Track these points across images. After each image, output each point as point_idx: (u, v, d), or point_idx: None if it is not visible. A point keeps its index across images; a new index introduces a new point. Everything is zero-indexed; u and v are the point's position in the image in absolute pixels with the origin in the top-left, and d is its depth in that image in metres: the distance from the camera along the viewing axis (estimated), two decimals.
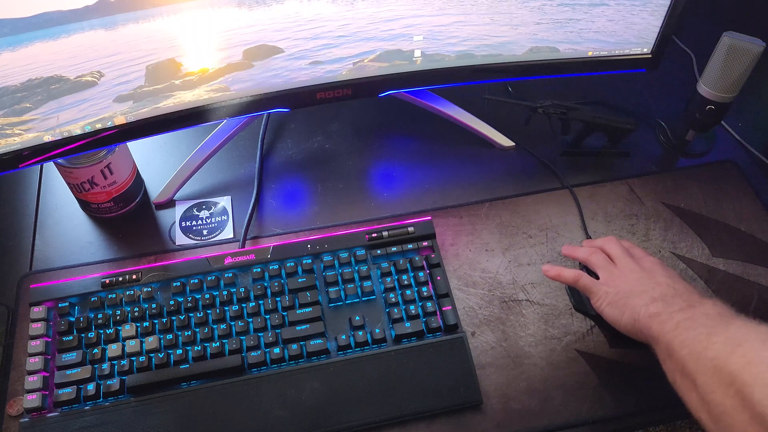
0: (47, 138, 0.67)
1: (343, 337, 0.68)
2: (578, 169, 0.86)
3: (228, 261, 0.72)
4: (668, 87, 0.96)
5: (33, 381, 0.64)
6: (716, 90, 0.78)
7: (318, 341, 0.67)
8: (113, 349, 0.67)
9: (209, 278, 0.71)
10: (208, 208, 0.82)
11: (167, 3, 0.61)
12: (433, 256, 0.73)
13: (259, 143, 0.88)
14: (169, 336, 0.67)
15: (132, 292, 0.70)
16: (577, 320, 0.72)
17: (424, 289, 0.71)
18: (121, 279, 0.71)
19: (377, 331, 0.68)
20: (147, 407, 0.64)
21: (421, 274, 0.72)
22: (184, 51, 0.66)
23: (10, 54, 0.58)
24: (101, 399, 0.65)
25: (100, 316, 0.69)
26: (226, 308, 0.69)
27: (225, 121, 0.81)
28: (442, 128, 0.89)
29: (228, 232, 0.80)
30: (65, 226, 0.81)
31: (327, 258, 0.72)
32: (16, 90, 0.61)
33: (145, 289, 0.70)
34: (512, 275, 0.75)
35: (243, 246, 0.77)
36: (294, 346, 0.67)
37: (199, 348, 0.67)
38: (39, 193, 0.84)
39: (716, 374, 0.49)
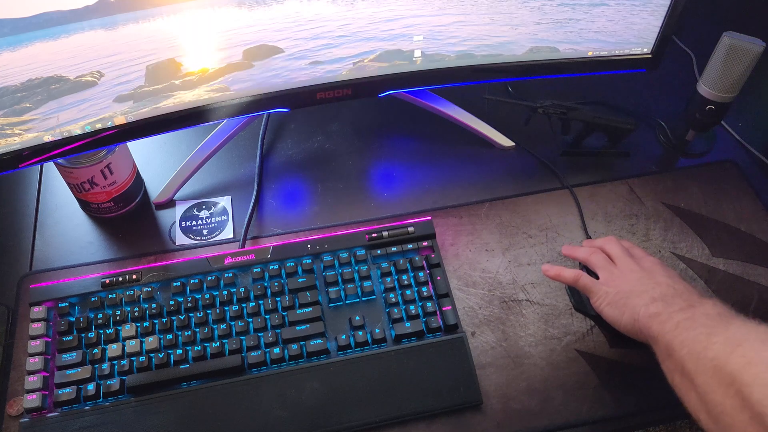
0: (47, 138, 0.67)
1: (343, 337, 0.68)
2: (578, 169, 0.86)
3: (228, 261, 0.72)
4: (668, 87, 0.96)
5: (33, 381, 0.64)
6: (716, 90, 0.78)
7: (318, 341, 0.67)
8: (113, 349, 0.67)
9: (209, 278, 0.71)
10: (208, 208, 0.82)
11: (167, 3, 0.61)
12: (433, 256, 0.73)
13: (259, 143, 0.88)
14: (169, 336, 0.67)
15: (132, 292, 0.70)
16: (577, 320, 0.72)
17: (424, 289, 0.71)
18: (121, 279, 0.71)
19: (377, 331, 0.68)
20: (147, 407, 0.64)
21: (421, 274, 0.72)
22: (184, 51, 0.66)
23: (10, 54, 0.58)
24: (101, 399, 0.65)
25: (100, 316, 0.69)
26: (226, 308, 0.69)
27: (225, 121, 0.81)
28: (442, 128, 0.89)
29: (228, 232, 0.80)
30: (65, 226, 0.81)
31: (327, 258, 0.72)
32: (16, 90, 0.61)
33: (145, 289, 0.70)
34: (512, 275, 0.75)
35: (243, 246, 0.77)
36: (294, 346, 0.67)
37: (199, 348, 0.67)
38: (39, 193, 0.84)
39: (716, 374, 0.49)
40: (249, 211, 0.80)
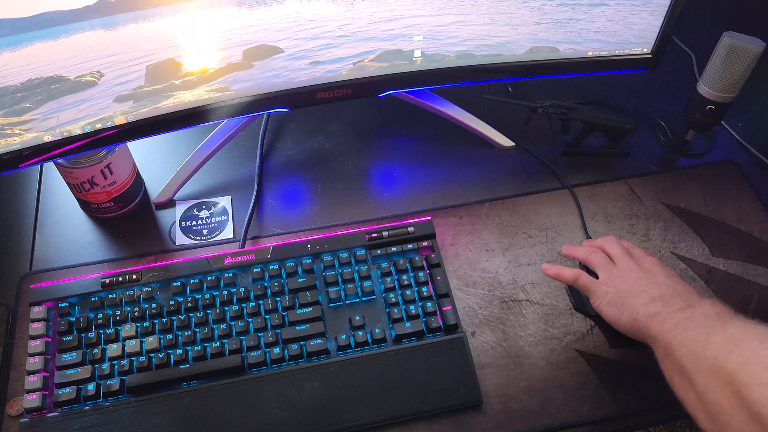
0: (47, 138, 0.67)
1: (343, 337, 0.68)
2: (578, 169, 0.86)
3: (228, 261, 0.72)
4: (668, 87, 0.96)
5: (33, 381, 0.64)
6: (716, 90, 0.78)
7: (318, 341, 0.67)
8: (113, 349, 0.67)
9: (209, 278, 0.71)
10: (208, 208, 0.82)
11: (167, 3, 0.61)
12: (433, 256, 0.73)
13: (259, 143, 0.88)
14: (169, 336, 0.67)
15: (132, 292, 0.70)
16: (577, 320, 0.72)
17: (424, 289, 0.71)
18: (121, 279, 0.71)
19: (377, 331, 0.68)
20: (147, 407, 0.64)
21: (421, 274, 0.72)
22: (184, 51, 0.66)
23: (10, 54, 0.58)
24: (101, 399, 0.65)
25: (100, 316, 0.69)
26: (226, 308, 0.69)
27: (225, 121, 0.81)
28: (442, 128, 0.89)
29: (228, 232, 0.80)
30: (65, 226, 0.81)
31: (327, 258, 0.72)
32: (16, 90, 0.61)
33: (145, 289, 0.70)
34: (512, 275, 0.75)
35: (243, 246, 0.77)
36: (294, 346, 0.67)
37: (199, 348, 0.67)
38: (39, 193, 0.84)
39: (714, 374, 0.49)
40: (249, 211, 0.80)
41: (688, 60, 0.95)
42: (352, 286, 0.71)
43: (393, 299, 0.70)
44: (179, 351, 0.67)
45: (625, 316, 0.61)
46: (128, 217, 0.82)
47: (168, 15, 0.62)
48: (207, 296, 0.70)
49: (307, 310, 0.69)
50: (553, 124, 0.85)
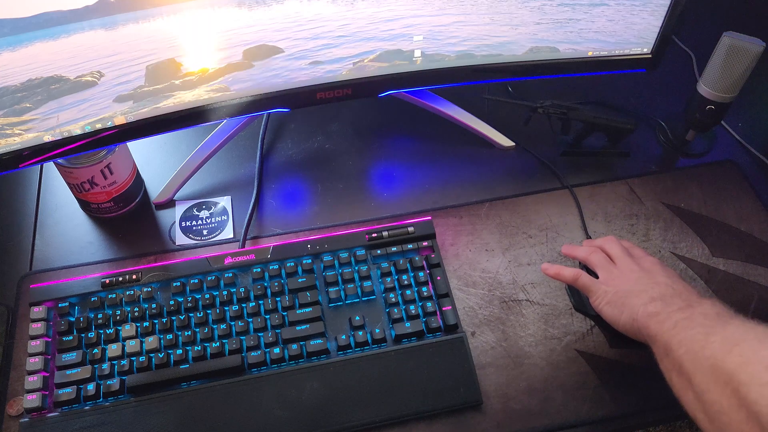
0: (47, 138, 0.67)
1: (343, 337, 0.68)
2: (578, 169, 0.86)
3: (228, 261, 0.72)
4: (668, 87, 0.96)
5: (33, 381, 0.64)
6: (716, 90, 0.78)
7: (318, 341, 0.67)
8: (113, 349, 0.67)
9: (209, 278, 0.71)
10: (208, 208, 0.82)
11: (167, 3, 0.61)
12: (433, 256, 0.73)
13: (259, 143, 0.88)
14: (169, 336, 0.67)
15: (132, 292, 0.70)
16: (577, 320, 0.72)
17: (424, 289, 0.71)
18: (121, 279, 0.71)
19: (377, 331, 0.68)
20: (147, 407, 0.64)
21: (421, 274, 0.72)
22: (184, 51, 0.66)
23: (10, 54, 0.58)
24: (101, 399, 0.65)
25: (100, 316, 0.69)
26: (226, 308, 0.69)
27: (225, 121, 0.81)
28: (442, 128, 0.89)
29: (228, 232, 0.80)
30: (65, 226, 0.81)
31: (327, 258, 0.72)
32: (16, 90, 0.61)
33: (145, 289, 0.70)
34: (512, 275, 0.75)
35: (243, 246, 0.77)
36: (294, 346, 0.67)
37: (199, 348, 0.67)
38: (39, 193, 0.84)
39: (713, 373, 0.49)
40: (249, 211, 0.80)
41: (688, 60, 0.95)
42: (352, 286, 0.71)
43: (393, 299, 0.70)
44: (179, 351, 0.67)
45: (624, 315, 0.61)
46: (128, 217, 0.82)
47: (168, 15, 0.62)
48: (207, 296, 0.70)
49: (307, 310, 0.69)
50: (553, 124, 0.85)
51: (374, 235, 0.74)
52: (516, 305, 0.73)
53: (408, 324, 0.68)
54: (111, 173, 0.76)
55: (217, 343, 0.67)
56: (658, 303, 0.59)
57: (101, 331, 0.68)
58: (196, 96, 0.70)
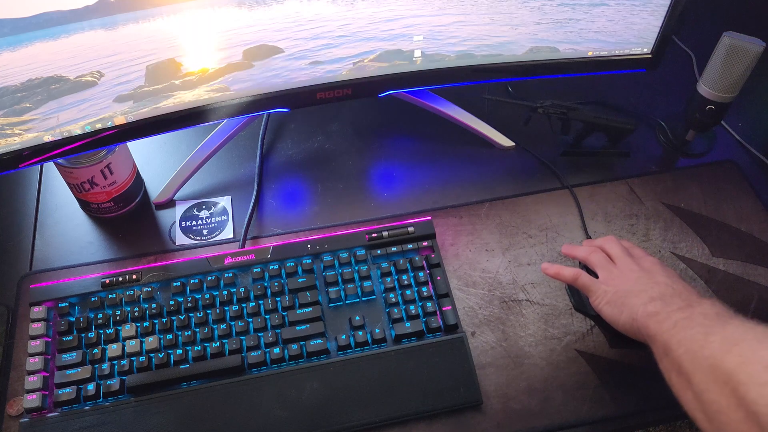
0: (47, 138, 0.67)
1: (343, 337, 0.68)
2: (578, 169, 0.86)
3: (228, 261, 0.72)
4: (668, 87, 0.96)
5: (33, 381, 0.64)
6: (716, 90, 0.78)
7: (318, 341, 0.67)
8: (113, 349, 0.67)
9: (209, 278, 0.71)
10: (208, 208, 0.82)
11: (167, 3, 0.61)
12: (433, 256, 0.73)
13: (259, 143, 0.88)
14: (169, 336, 0.67)
15: (132, 292, 0.70)
16: (577, 320, 0.72)
17: (424, 289, 0.71)
18: (121, 279, 0.71)
19: (377, 331, 0.68)
20: (147, 407, 0.64)
21: (421, 274, 0.72)
22: (184, 51, 0.66)
23: (10, 54, 0.58)
24: (101, 399, 0.65)
25: (100, 316, 0.69)
26: (226, 308, 0.69)
27: (225, 121, 0.81)
28: (442, 128, 0.89)
29: (228, 232, 0.80)
30: (65, 226, 0.81)
31: (327, 258, 0.72)
32: (16, 90, 0.61)
33: (145, 289, 0.70)
34: (512, 275, 0.75)
35: (243, 246, 0.77)
36: (294, 346, 0.67)
37: (199, 348, 0.67)
38: (39, 193, 0.84)
39: (712, 373, 0.49)
40: (249, 211, 0.80)
41: (688, 60, 0.95)
42: (352, 286, 0.71)
43: (393, 299, 0.70)
44: (179, 351, 0.67)
45: (624, 315, 0.61)
46: (128, 217, 0.82)
47: (168, 15, 0.62)
48: (207, 296, 0.70)
49: (307, 310, 0.69)
50: (553, 124, 0.85)
51: (374, 235, 0.74)
52: (516, 305, 0.73)
53: (408, 324, 0.68)
54: (111, 173, 0.76)
55: (217, 343, 0.67)
56: (658, 303, 0.59)
57: (101, 331, 0.68)
58: (196, 96, 0.70)
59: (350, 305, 0.71)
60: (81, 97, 0.65)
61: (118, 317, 0.69)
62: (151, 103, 0.69)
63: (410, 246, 0.74)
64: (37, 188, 0.85)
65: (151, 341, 0.67)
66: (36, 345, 0.67)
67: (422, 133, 0.90)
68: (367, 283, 0.71)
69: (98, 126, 0.68)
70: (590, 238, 0.78)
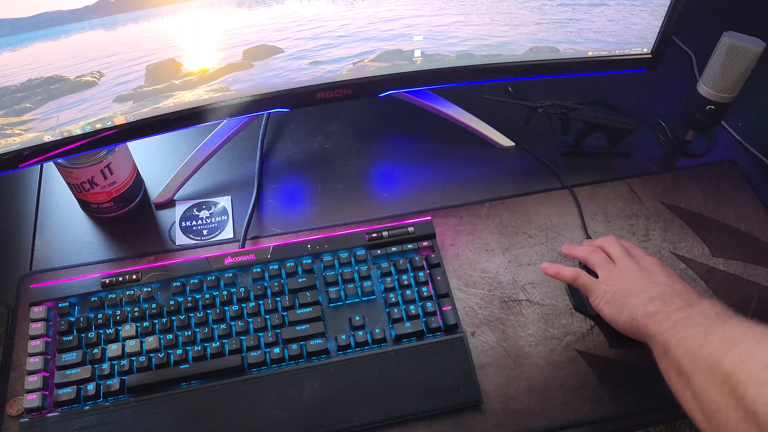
0: (47, 138, 0.67)
1: (343, 337, 0.68)
2: (578, 169, 0.86)
3: (228, 261, 0.72)
4: (668, 87, 0.96)
5: (33, 381, 0.64)
6: (716, 90, 0.78)
7: (318, 341, 0.67)
8: (113, 349, 0.67)
9: (209, 278, 0.71)
10: (208, 208, 0.82)
11: (167, 3, 0.61)
12: (433, 256, 0.73)
13: (259, 143, 0.88)
14: (169, 336, 0.67)
15: (132, 292, 0.70)
16: (577, 320, 0.72)
17: (424, 289, 0.71)
18: (121, 279, 0.71)
19: (377, 331, 0.68)
20: (147, 407, 0.64)
21: (421, 274, 0.72)
22: (184, 51, 0.66)
23: (10, 54, 0.58)
24: (101, 399, 0.65)
25: (100, 316, 0.69)
26: (226, 308, 0.69)
27: (225, 121, 0.81)
28: (442, 128, 0.89)
29: (228, 232, 0.80)
30: (65, 226, 0.81)
31: (327, 258, 0.72)
32: (16, 90, 0.61)
33: (145, 289, 0.70)
34: (512, 275, 0.75)
35: (243, 246, 0.77)
36: (294, 346, 0.67)
37: (199, 348, 0.67)
38: (39, 193, 0.84)
39: (711, 372, 0.49)
40: (249, 211, 0.80)
41: (688, 60, 0.95)
42: (352, 286, 0.71)
43: (393, 299, 0.70)
44: (179, 351, 0.67)
45: (624, 315, 0.61)
46: (128, 217, 0.82)
47: (168, 15, 0.62)
48: (207, 296, 0.70)
49: (307, 310, 0.69)
50: (553, 124, 0.85)
51: (374, 235, 0.74)
52: (516, 305, 0.73)
53: (408, 324, 0.68)
54: (111, 173, 0.76)
55: (217, 343, 0.67)
56: (658, 302, 0.59)
57: (101, 331, 0.68)
58: (196, 96, 0.70)
59: (350, 305, 0.71)
60: (81, 97, 0.65)
61: (118, 317, 0.69)
62: (151, 103, 0.69)
63: (410, 246, 0.74)
64: (37, 188, 0.85)
65: (151, 341, 0.67)
66: (36, 345, 0.67)
67: (422, 133, 0.90)
68: (367, 283, 0.71)
69: (98, 126, 0.68)
70: (590, 238, 0.78)
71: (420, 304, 0.70)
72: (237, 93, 0.72)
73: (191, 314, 0.69)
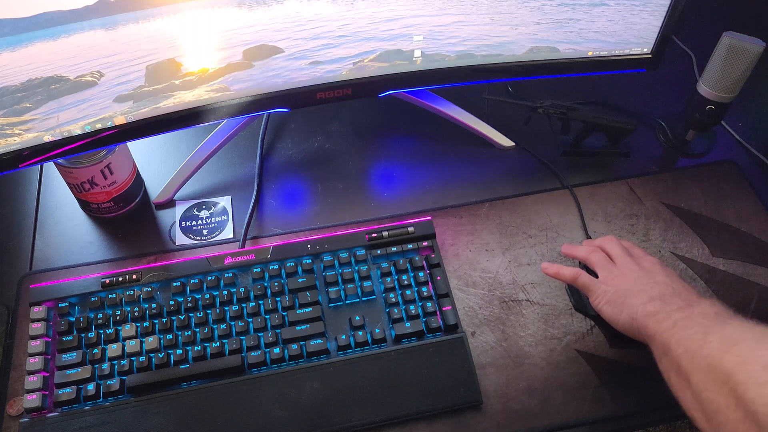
0: (47, 138, 0.67)
1: (343, 337, 0.68)
2: (578, 169, 0.86)
3: (228, 261, 0.72)
4: (668, 87, 0.96)
5: (33, 381, 0.64)
6: (716, 90, 0.78)
7: (318, 341, 0.67)
8: (113, 349, 0.67)
9: (209, 278, 0.71)
10: (208, 208, 0.82)
11: (167, 3, 0.61)
12: (433, 256, 0.73)
13: (259, 143, 0.88)
14: (169, 336, 0.67)
15: (132, 292, 0.70)
16: (577, 320, 0.72)
17: (424, 289, 0.71)
18: (121, 279, 0.71)
19: (377, 331, 0.68)
20: (147, 407, 0.64)
21: (421, 274, 0.72)
22: (184, 51, 0.66)
23: (10, 54, 0.58)
24: (101, 399, 0.65)
25: (100, 316, 0.69)
26: (226, 308, 0.69)
27: (225, 121, 0.81)
28: (442, 128, 0.89)
29: (228, 232, 0.80)
30: (65, 226, 0.81)
31: (327, 258, 0.72)
32: (16, 90, 0.61)
33: (145, 289, 0.70)
34: (512, 275, 0.75)
35: (243, 246, 0.77)
36: (294, 346, 0.67)
37: (199, 348, 0.67)
38: (39, 193, 0.84)
39: (711, 372, 0.49)
40: (249, 211, 0.80)
41: (688, 60, 0.95)
42: (352, 286, 0.71)
43: (393, 299, 0.70)
44: (179, 351, 0.67)
45: (624, 315, 0.61)
46: (128, 217, 0.82)
47: (168, 15, 0.62)
48: (207, 296, 0.70)
49: (307, 310, 0.69)
50: (553, 124, 0.85)
51: (374, 235, 0.74)
52: (516, 305, 0.73)
53: (408, 324, 0.68)
54: (111, 173, 0.76)
55: (217, 343, 0.67)
56: (657, 302, 0.59)
57: (101, 331, 0.68)
58: (196, 96, 0.70)
59: (350, 305, 0.71)
60: (81, 97, 0.65)
61: (118, 317, 0.69)
62: (151, 103, 0.69)
63: (410, 246, 0.74)
64: (37, 188, 0.85)
65: (151, 341, 0.67)
66: (36, 345, 0.67)
67: (422, 133, 0.90)
68: (367, 283, 0.71)
69: (98, 126, 0.68)
70: (590, 238, 0.79)
71: (420, 304, 0.70)
72: (237, 93, 0.72)
73: (191, 314, 0.69)
